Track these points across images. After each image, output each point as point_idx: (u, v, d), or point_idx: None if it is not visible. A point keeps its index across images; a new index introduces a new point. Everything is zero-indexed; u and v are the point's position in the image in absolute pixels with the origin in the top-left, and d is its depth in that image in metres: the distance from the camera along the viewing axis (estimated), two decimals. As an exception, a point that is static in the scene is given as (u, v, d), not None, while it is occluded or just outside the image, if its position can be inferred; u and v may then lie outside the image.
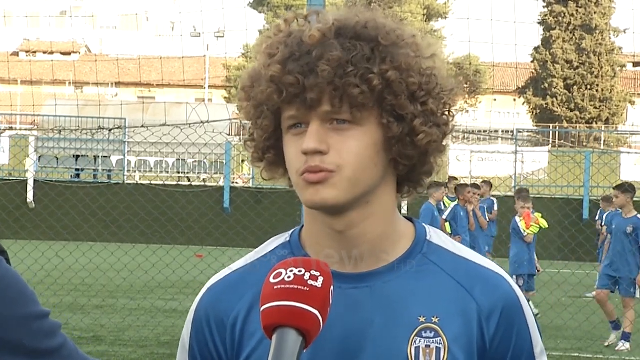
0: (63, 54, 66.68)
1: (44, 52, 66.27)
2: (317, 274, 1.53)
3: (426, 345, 1.72)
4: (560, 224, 22.75)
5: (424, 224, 1.84)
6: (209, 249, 21.05)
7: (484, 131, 42.49)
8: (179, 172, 30.27)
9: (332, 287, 1.55)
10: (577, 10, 50.44)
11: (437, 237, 1.82)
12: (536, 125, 49.34)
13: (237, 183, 30.87)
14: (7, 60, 49.07)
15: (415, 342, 1.72)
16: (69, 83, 59.83)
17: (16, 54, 68.74)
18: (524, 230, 13.46)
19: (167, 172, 30.14)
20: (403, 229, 1.80)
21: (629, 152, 34.60)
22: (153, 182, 26.97)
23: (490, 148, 32.56)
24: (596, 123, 49.73)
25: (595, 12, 50.44)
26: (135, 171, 29.91)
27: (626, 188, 12.86)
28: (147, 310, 13.74)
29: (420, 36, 1.77)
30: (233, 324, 1.77)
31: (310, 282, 1.52)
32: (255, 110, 1.75)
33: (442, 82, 1.75)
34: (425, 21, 56.09)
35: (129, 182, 27.58)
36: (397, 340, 1.72)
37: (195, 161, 30.08)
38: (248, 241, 22.64)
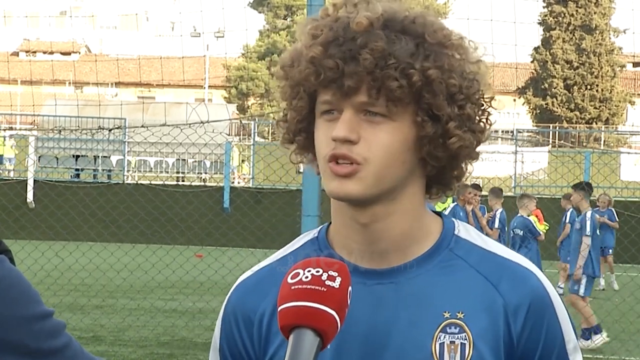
0: (63, 53, 66.68)
1: (44, 52, 66.29)
2: (335, 274, 1.52)
3: (451, 341, 1.70)
4: (560, 224, 22.73)
5: (453, 219, 1.82)
6: (208, 249, 21.04)
7: (484, 131, 42.45)
8: (178, 172, 30.27)
9: (350, 288, 1.54)
10: (577, 11, 50.45)
11: (466, 231, 1.80)
12: (536, 126, 49.34)
13: (239, 183, 30.88)
14: (7, 60, 49.09)
15: (439, 338, 1.70)
16: (69, 83, 59.83)
17: (16, 53, 68.75)
18: (540, 230, 13.54)
19: (167, 172, 30.14)
20: (430, 225, 1.78)
21: (628, 152, 34.60)
22: (153, 182, 26.96)
23: (490, 148, 32.55)
24: (596, 123, 49.74)
25: (595, 12, 50.44)
26: (135, 171, 29.90)
27: (582, 187, 13.06)
28: (147, 310, 13.74)
29: (468, 39, 1.75)
30: (260, 321, 1.76)
31: (328, 282, 1.51)
32: (291, 90, 1.73)
33: (484, 88, 1.74)
34: (425, 21, 56.13)
35: (128, 182, 27.58)
36: (422, 336, 1.70)
37: (195, 161, 30.09)
38: (248, 241, 22.67)
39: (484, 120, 1.74)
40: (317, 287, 1.51)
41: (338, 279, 1.52)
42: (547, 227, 15.41)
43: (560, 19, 50.66)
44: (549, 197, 25.28)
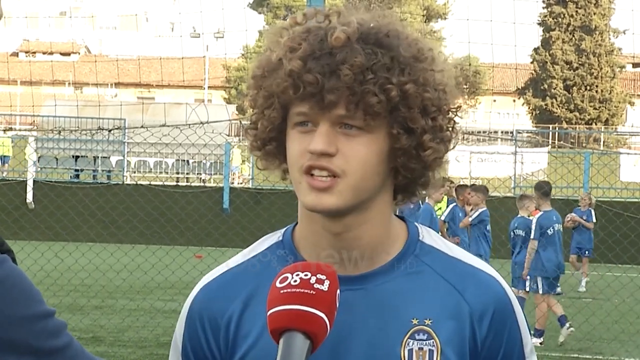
0: (62, 54, 66.70)
1: (44, 53, 66.28)
2: (323, 277, 1.53)
3: (419, 348, 1.72)
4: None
5: (416, 224, 1.83)
6: (208, 250, 21.03)
7: (484, 132, 42.48)
8: (178, 173, 30.27)
9: (338, 291, 1.55)
10: (576, 11, 50.46)
11: (430, 237, 1.81)
12: (535, 126, 49.34)
13: (240, 183, 30.88)
14: (7, 60, 49.08)
15: (408, 344, 1.72)
16: (69, 83, 59.83)
17: (16, 54, 68.77)
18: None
19: (167, 173, 30.14)
20: (397, 230, 1.79)
21: (628, 153, 34.59)
22: (152, 183, 26.96)
23: (489, 149, 32.56)
24: (595, 124, 49.75)
25: (594, 13, 50.45)
26: (134, 172, 29.90)
27: (540, 186, 13.21)
28: (146, 310, 13.74)
29: (436, 49, 1.76)
30: (227, 324, 1.76)
31: (317, 285, 1.52)
32: (264, 100, 1.73)
33: (451, 97, 1.75)
34: (425, 22, 56.10)
35: (128, 182, 27.58)
36: (391, 343, 1.72)
37: (195, 162, 30.08)
38: (247, 242, 22.48)
39: (451, 129, 1.76)
40: (306, 291, 1.51)
41: (326, 282, 1.53)
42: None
43: (560, 19, 50.67)
44: (549, 198, 25.25)
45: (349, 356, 1.72)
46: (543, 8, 51.25)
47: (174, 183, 28.77)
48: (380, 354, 1.71)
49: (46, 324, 1.47)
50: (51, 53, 62.88)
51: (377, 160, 1.69)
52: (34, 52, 68.44)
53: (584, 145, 39.90)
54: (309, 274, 1.53)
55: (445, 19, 59.08)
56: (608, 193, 28.20)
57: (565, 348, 11.99)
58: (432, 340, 1.72)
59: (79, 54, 70.15)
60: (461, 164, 29.09)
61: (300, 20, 1.74)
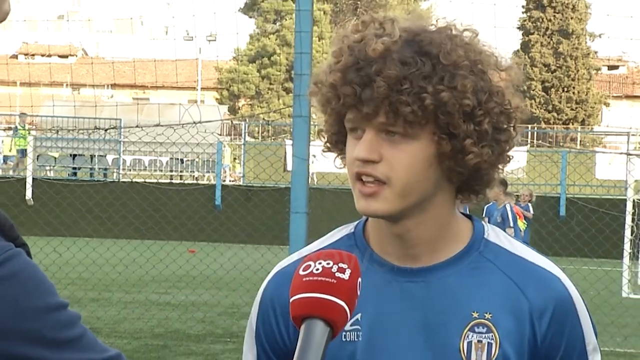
0: (60, 56, 66.50)
1: (42, 55, 66.09)
2: (345, 266, 1.51)
3: (478, 340, 1.71)
4: (537, 221, 22.79)
5: (483, 222, 1.83)
6: (201, 245, 21.02)
7: (465, 131, 42.49)
8: (172, 171, 30.22)
9: (359, 279, 1.54)
10: (554, 16, 50.56)
11: (495, 235, 1.80)
12: (515, 126, 49.38)
13: (232, 181, 30.85)
14: (7, 62, 48.93)
15: (467, 336, 1.72)
16: (66, 85, 59.65)
17: (15, 56, 68.52)
18: (520, 227, 13.59)
19: (161, 171, 30.09)
20: (461, 228, 1.78)
21: (603, 152, 34.68)
22: (147, 181, 26.91)
23: (471, 148, 32.59)
24: (572, 124, 49.86)
25: (571, 18, 50.56)
26: (130, 170, 29.84)
27: (502, 181, 13.26)
28: (142, 303, 13.72)
29: (491, 51, 1.74)
30: None
31: (338, 274, 1.50)
32: (322, 107, 1.75)
33: (509, 97, 1.72)
34: (409, 26, 56.08)
35: (124, 180, 27.52)
36: (450, 334, 1.72)
37: (188, 160, 30.04)
38: (239, 237, 22.64)
39: (510, 129, 1.73)
40: (327, 279, 1.50)
41: (348, 271, 1.51)
42: (525, 225, 15.42)
43: (539, 24, 50.77)
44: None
45: (410, 345, 1.72)
46: (522, 13, 51.34)
47: (168, 181, 28.72)
48: (439, 345, 1.71)
49: (59, 315, 1.47)
50: (49, 55, 62.70)
51: (423, 165, 1.68)
52: (33, 55, 68.22)
53: (561, 144, 39.99)
54: (331, 263, 1.51)
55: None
56: (584, 190, 28.28)
57: (543, 338, 12.04)
58: (491, 334, 1.71)
59: (77, 56, 69.95)
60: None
61: (361, 27, 1.73)
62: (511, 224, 12.75)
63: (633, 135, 38.66)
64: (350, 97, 1.66)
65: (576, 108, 50.35)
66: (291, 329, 1.78)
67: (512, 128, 1.74)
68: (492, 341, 1.72)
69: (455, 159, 1.69)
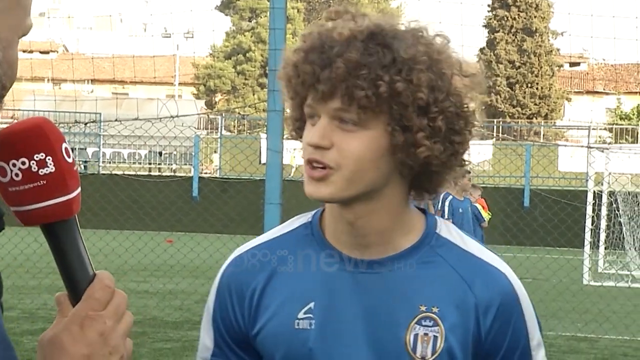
0: (42, 52, 66.04)
1: (24, 51, 65.49)
2: (41, 155, 1.16)
3: (424, 333, 1.71)
4: (502, 211, 22.90)
5: (437, 217, 1.81)
6: (178, 235, 20.97)
7: (433, 126, 42.52)
8: (150, 163, 30.11)
9: (63, 144, 1.18)
10: (518, 15, 50.75)
11: (447, 230, 1.79)
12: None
13: (208, 172, 30.78)
14: (-11, 58, 48.27)
15: (414, 329, 1.71)
16: (47, 80, 59.27)
17: (-3, 52, 67.97)
18: (484, 217, 13.52)
19: (140, 163, 29.97)
20: (414, 221, 1.77)
21: (565, 145, 34.87)
22: (126, 173, 26.80)
23: (439, 141, 32.63)
24: (536, 118, 50.10)
25: (535, 17, 50.78)
26: (109, 162, 29.71)
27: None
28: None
29: (455, 55, 1.71)
30: (251, 295, 1.76)
31: (42, 170, 1.17)
32: (286, 90, 1.74)
33: (467, 102, 1.70)
34: (379, 24, 56.12)
35: (103, 172, 27.39)
36: (397, 326, 1.71)
37: (166, 153, 29.94)
38: (215, 227, 22.60)
39: (465, 132, 1.72)
40: (35, 184, 1.18)
41: (48, 160, 1.17)
42: (490, 216, 15.46)
43: (504, 22, 50.94)
44: (493, 187, 25.44)
45: (357, 335, 1.71)
46: (488, 11, 51.49)
47: (147, 173, 28.61)
48: (387, 336, 1.71)
49: None
50: (31, 51, 62.21)
51: (374, 155, 1.66)
52: (15, 50, 67.65)
53: (525, 138, 40.17)
54: (26, 160, 1.15)
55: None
56: (547, 182, 28.44)
57: (508, 324, 12.08)
58: (437, 327, 1.70)
59: (57, 52, 69.50)
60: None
61: (334, 16, 1.72)
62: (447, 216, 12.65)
63: (594, 129, 38.90)
64: (309, 75, 1.65)
65: (539, 103, 50.59)
66: (246, 313, 1.76)
67: (467, 132, 1.72)
68: (438, 334, 1.70)
69: (407, 151, 1.67)
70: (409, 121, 1.65)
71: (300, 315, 1.72)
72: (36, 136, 1.16)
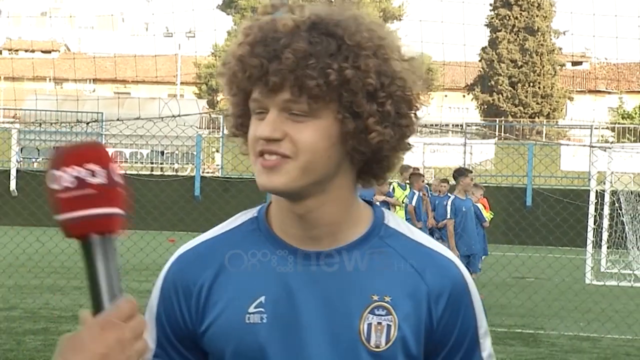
0: (43, 52, 66.08)
1: (26, 51, 65.62)
2: (94, 166, 1.28)
3: (378, 322, 1.71)
4: (505, 211, 22.89)
5: (383, 209, 1.82)
6: (180, 234, 20.97)
7: (436, 125, 42.54)
8: (152, 163, 30.13)
9: (112, 165, 1.30)
10: (520, 14, 50.72)
11: (394, 221, 1.80)
12: (483, 120, 49.57)
13: (210, 172, 30.78)
14: (-9, 57, 48.42)
15: (367, 318, 1.71)
16: (49, 79, 59.30)
17: (-1, 51, 68.03)
18: (486, 217, 13.50)
19: (142, 163, 29.98)
20: (362, 213, 1.77)
21: (568, 144, 34.84)
22: (128, 172, 26.81)
23: (441, 140, 32.68)
24: (538, 117, 50.08)
25: (537, 16, 50.74)
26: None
27: (462, 172, 13.17)
28: (123, 290, 13.66)
29: (395, 40, 1.73)
30: (199, 292, 1.75)
31: (93, 180, 1.27)
32: (228, 87, 1.72)
33: (411, 85, 1.71)
34: (381, 23, 56.10)
35: (105, 171, 27.39)
36: (351, 316, 1.71)
37: (168, 152, 29.95)
38: (217, 227, 22.59)
39: (411, 115, 1.72)
40: (86, 191, 1.27)
41: (99, 170, 1.28)
42: (492, 215, 15.45)
43: (506, 21, 50.91)
44: (495, 186, 25.43)
45: (311, 327, 1.71)
46: (490, 10, 51.47)
47: (149, 172, 28.62)
48: (340, 326, 1.70)
49: None
50: (33, 51, 62.28)
51: (326, 144, 1.66)
52: (17, 50, 67.72)
53: (527, 137, 40.16)
54: (80, 169, 1.27)
55: (400, 20, 59.13)
56: (549, 181, 28.42)
57: (509, 324, 12.07)
58: (390, 316, 1.71)
59: (59, 51, 69.52)
60: (415, 154, 29.19)
61: (270, 10, 1.72)
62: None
63: (596, 128, 38.87)
64: (257, 69, 1.64)
65: (542, 102, 50.56)
66: (193, 310, 1.75)
67: (413, 115, 1.73)
68: (391, 323, 1.71)
69: (358, 138, 1.67)
70: (359, 107, 1.66)
71: (251, 309, 1.71)
72: (93, 150, 1.29)
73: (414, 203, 15.37)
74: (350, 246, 1.74)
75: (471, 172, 14.25)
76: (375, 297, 1.72)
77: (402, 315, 1.71)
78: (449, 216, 12.44)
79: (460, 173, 12.99)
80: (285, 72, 1.62)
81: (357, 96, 1.65)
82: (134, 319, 1.30)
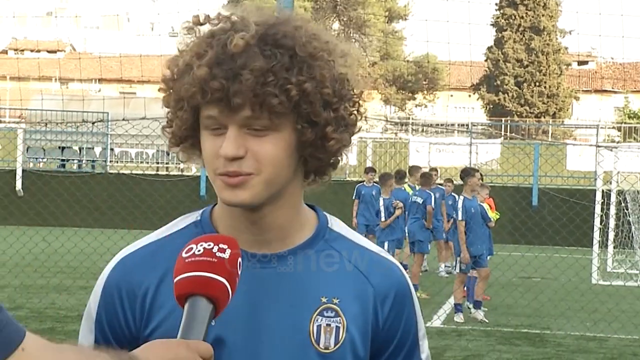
0: (49, 52, 66.15)
1: (31, 50, 65.70)
2: (225, 246, 1.55)
3: (327, 324, 1.73)
4: (511, 210, 22.87)
5: (325, 213, 1.84)
6: (186, 234, 20.88)
7: (441, 125, 42.58)
8: (158, 163, 30.13)
9: (240, 259, 1.56)
10: (526, 13, 50.67)
11: (337, 225, 1.83)
12: (489, 119, 49.53)
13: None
14: (-3, 57, 48.50)
15: (317, 320, 1.73)
16: (55, 79, 59.36)
17: (5, 52, 68.14)
18: (492, 217, 13.44)
19: (147, 163, 29.99)
20: (307, 216, 1.80)
21: (574, 144, 34.79)
22: (134, 172, 26.83)
23: (447, 140, 32.64)
24: (544, 117, 50.02)
25: (543, 15, 50.69)
26: (117, 161, 29.74)
27: (469, 172, 13.12)
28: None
29: (334, 40, 1.74)
30: (144, 295, 1.74)
31: (219, 254, 1.54)
32: (175, 103, 1.71)
33: (353, 84, 1.73)
34: (387, 23, 56.08)
35: (111, 171, 27.42)
36: (301, 318, 1.73)
37: (174, 152, 29.91)
38: (222, 226, 22.60)
39: (355, 113, 1.74)
40: (208, 259, 1.53)
41: (228, 251, 1.54)
42: (498, 216, 15.39)
43: (511, 20, 50.86)
44: (501, 186, 25.40)
45: (261, 329, 1.72)
46: (496, 10, 51.42)
47: (154, 172, 28.63)
48: (290, 328, 1.72)
49: None
50: (38, 51, 62.36)
51: (285, 154, 1.68)
52: (22, 50, 67.82)
53: (533, 137, 40.11)
54: (212, 244, 1.55)
55: (406, 19, 59.07)
56: (555, 181, 28.38)
57: (516, 324, 12.06)
58: (339, 318, 1.74)
59: (65, 51, 69.61)
60: (420, 154, 29.17)
61: (203, 20, 1.71)
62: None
63: (602, 128, 38.82)
64: (218, 91, 1.63)
65: (547, 102, 50.51)
66: (137, 314, 1.74)
67: (358, 112, 1.75)
68: (340, 325, 1.73)
69: (316, 145, 1.69)
70: (317, 117, 1.68)
71: None
72: (229, 239, 1.59)
73: (433, 204, 15.33)
74: (298, 248, 1.76)
75: (478, 171, 14.18)
76: (324, 299, 1.74)
77: (350, 317, 1.74)
78: (460, 217, 12.41)
79: (467, 173, 12.95)
80: (247, 93, 1.63)
81: (315, 106, 1.67)
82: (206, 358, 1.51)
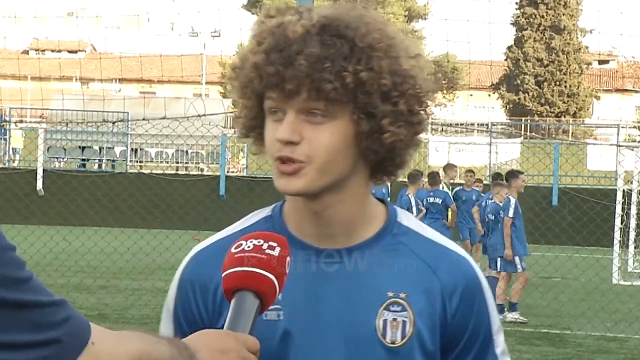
0: (70, 52, 66.45)
1: (52, 51, 66.02)
2: (275, 244, 1.57)
3: (393, 319, 1.74)
4: (531, 210, 22.79)
5: (395, 207, 1.85)
6: (205, 233, 20.93)
7: (461, 124, 42.50)
8: (177, 162, 30.20)
9: (288, 258, 1.58)
10: (547, 12, 50.50)
11: (407, 219, 1.83)
12: (509, 119, 49.39)
13: (236, 171, 30.84)
14: (18, 57, 48.82)
15: (383, 315, 1.74)
16: (76, 79, 59.63)
17: (26, 52, 68.47)
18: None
19: (167, 162, 30.07)
20: (375, 211, 1.81)
21: (594, 144, 34.65)
22: (154, 172, 26.91)
23: (466, 140, 32.59)
24: (564, 117, 49.84)
25: (563, 14, 50.51)
26: (137, 161, 29.84)
27: (514, 174, 13.12)
28: (148, 290, 13.72)
29: (402, 38, 1.76)
30: (215, 289, 1.77)
31: (268, 251, 1.55)
32: (241, 90, 1.75)
33: (421, 82, 1.75)
34: (407, 22, 56.03)
35: (131, 171, 27.52)
36: (367, 313, 1.74)
37: (193, 152, 30.03)
38: (242, 226, 22.63)
39: (421, 112, 1.75)
40: (257, 254, 1.55)
41: (277, 249, 1.56)
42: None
43: (532, 19, 50.71)
44: (521, 185, 25.29)
45: (328, 323, 1.73)
46: (516, 9, 51.30)
47: (174, 172, 28.70)
48: (357, 323, 1.73)
49: (13, 255, 1.41)
50: (59, 51, 62.66)
51: (342, 145, 1.69)
52: (44, 50, 68.16)
53: (553, 136, 39.96)
54: (262, 241, 1.57)
55: (425, 19, 59.04)
56: (576, 180, 28.27)
57: (536, 324, 12.02)
58: (406, 312, 1.74)
59: (85, 51, 69.89)
60: (440, 153, 29.13)
61: (274, 13, 1.74)
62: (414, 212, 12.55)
63: (623, 127, 38.63)
64: (273, 76, 1.66)
65: (568, 101, 50.33)
66: (210, 307, 1.78)
67: (423, 112, 1.76)
68: (407, 319, 1.74)
69: (372, 138, 1.70)
70: (374, 108, 1.69)
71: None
72: (280, 238, 1.60)
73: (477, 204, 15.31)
74: (364, 244, 1.77)
75: (522, 173, 14.22)
76: (391, 294, 1.75)
77: (417, 311, 1.75)
78: (510, 214, 12.51)
79: (512, 175, 13.14)
80: (301, 78, 1.65)
81: (372, 97, 1.68)
82: (253, 353, 1.54)
